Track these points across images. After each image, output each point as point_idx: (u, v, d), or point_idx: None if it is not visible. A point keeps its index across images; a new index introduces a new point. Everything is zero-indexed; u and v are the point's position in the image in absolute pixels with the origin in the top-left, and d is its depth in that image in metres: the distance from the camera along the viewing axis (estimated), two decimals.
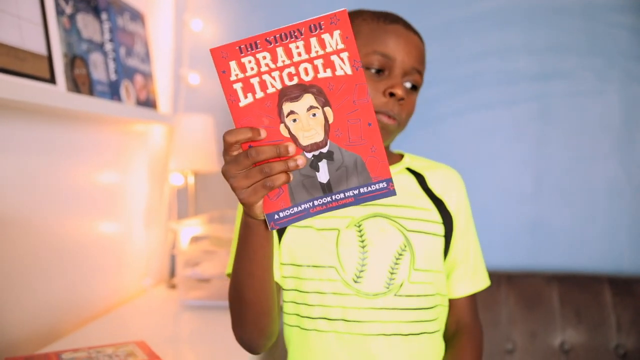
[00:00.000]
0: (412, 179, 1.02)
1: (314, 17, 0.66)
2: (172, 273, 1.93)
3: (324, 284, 0.95)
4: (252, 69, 0.69)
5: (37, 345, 1.24)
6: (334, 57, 0.68)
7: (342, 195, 0.74)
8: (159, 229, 1.87)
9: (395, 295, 0.94)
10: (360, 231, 0.95)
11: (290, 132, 0.71)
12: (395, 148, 1.11)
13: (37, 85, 1.10)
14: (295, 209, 0.75)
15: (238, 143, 0.69)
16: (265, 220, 0.77)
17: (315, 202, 0.75)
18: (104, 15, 1.44)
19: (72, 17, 1.29)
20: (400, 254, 0.95)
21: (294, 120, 0.70)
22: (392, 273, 0.95)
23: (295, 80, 0.69)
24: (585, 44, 1.77)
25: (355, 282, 0.94)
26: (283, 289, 1.01)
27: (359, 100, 0.69)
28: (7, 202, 1.15)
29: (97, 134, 1.48)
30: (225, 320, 1.44)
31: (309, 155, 0.72)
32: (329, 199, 0.75)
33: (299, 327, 0.99)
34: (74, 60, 1.27)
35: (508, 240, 1.82)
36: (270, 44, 0.68)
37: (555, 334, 1.61)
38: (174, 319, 1.49)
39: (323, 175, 0.73)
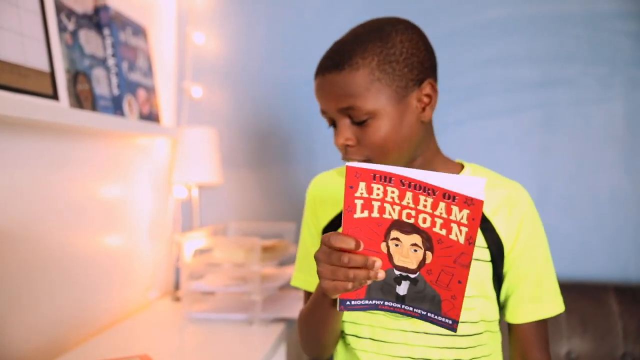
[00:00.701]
0: None
1: (453, 190, 0.69)
2: (177, 286, 1.93)
3: None
4: (377, 194, 0.73)
5: (41, 359, 1.24)
6: (453, 225, 0.71)
7: (411, 308, 0.81)
8: (163, 241, 1.87)
9: None
10: None
11: (388, 251, 0.77)
12: None
13: (40, 102, 1.11)
14: (367, 302, 0.82)
15: (339, 248, 0.75)
16: (335, 300, 0.85)
17: (386, 303, 0.82)
18: (106, 31, 1.45)
19: (74, 34, 1.30)
20: None
21: (396, 245, 0.76)
22: (407, 317, 0.91)
23: (412, 221, 0.74)
24: (589, 52, 1.77)
25: None
26: None
27: (460, 263, 0.74)
28: (12, 217, 1.16)
29: (101, 148, 1.49)
30: (229, 333, 1.44)
31: (397, 273, 0.78)
32: (399, 305, 0.81)
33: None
34: (76, 76, 1.28)
35: None
36: (403, 186, 0.71)
37: (561, 343, 1.60)
38: (178, 331, 1.49)
39: (402, 290, 0.80)
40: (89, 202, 1.44)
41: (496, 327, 0.99)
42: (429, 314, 0.80)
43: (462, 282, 0.75)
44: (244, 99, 1.95)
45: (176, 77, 1.97)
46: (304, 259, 1.11)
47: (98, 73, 1.39)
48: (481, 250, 0.93)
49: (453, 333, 0.89)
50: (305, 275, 1.09)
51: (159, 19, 1.88)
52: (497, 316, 0.97)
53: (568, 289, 1.65)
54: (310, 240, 1.09)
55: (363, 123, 0.90)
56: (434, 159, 0.99)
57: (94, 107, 1.34)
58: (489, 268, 0.94)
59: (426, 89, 0.92)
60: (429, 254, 0.75)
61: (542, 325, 0.98)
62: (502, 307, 0.99)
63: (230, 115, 1.96)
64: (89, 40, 1.37)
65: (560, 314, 1.59)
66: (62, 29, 1.26)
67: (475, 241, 0.71)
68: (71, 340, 1.36)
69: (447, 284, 0.76)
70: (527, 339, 0.97)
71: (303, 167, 1.90)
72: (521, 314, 0.96)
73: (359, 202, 0.74)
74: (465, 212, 0.69)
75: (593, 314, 1.60)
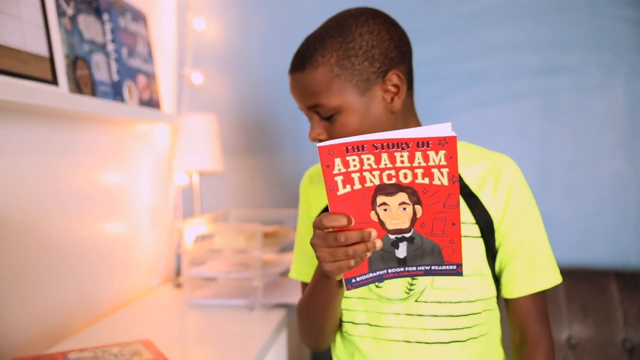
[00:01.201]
0: None
1: (424, 136, 0.71)
2: (178, 272, 1.94)
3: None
4: (354, 166, 0.74)
5: (43, 345, 1.24)
6: (434, 170, 0.74)
7: (414, 268, 0.82)
8: (164, 228, 1.87)
9: (416, 301, 0.93)
10: None
11: (379, 218, 0.78)
12: None
13: (39, 87, 1.11)
14: (371, 275, 0.83)
15: (332, 228, 0.76)
16: (339, 280, 0.86)
17: (390, 270, 0.83)
18: (105, 16, 1.44)
19: (73, 19, 1.30)
20: None
21: (385, 210, 0.77)
22: (413, 278, 0.92)
23: (394, 181, 0.75)
24: (591, 39, 1.75)
25: (377, 286, 0.95)
26: None
27: (449, 205, 0.76)
28: (12, 203, 1.16)
29: (100, 134, 1.49)
30: (230, 318, 1.44)
31: (392, 237, 0.79)
32: (402, 269, 0.82)
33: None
34: (76, 62, 1.28)
35: None
36: (377, 149, 0.73)
37: (562, 328, 1.60)
38: (180, 317, 1.49)
39: (401, 252, 0.81)
40: (89, 189, 1.44)
41: (494, 304, 0.98)
42: (432, 267, 0.81)
43: (455, 224, 0.77)
44: (244, 86, 1.94)
45: (176, 64, 1.96)
46: (300, 251, 1.12)
47: (97, 58, 1.38)
48: (470, 226, 0.92)
49: (447, 313, 0.90)
50: (302, 267, 1.10)
51: (159, 5, 1.87)
52: (494, 293, 0.96)
53: (569, 274, 1.66)
54: (305, 232, 1.11)
55: (330, 118, 0.92)
56: None
57: (93, 92, 1.33)
58: (480, 244, 0.93)
59: (392, 79, 0.92)
60: (418, 207, 0.77)
61: (540, 297, 0.97)
62: (497, 282, 0.98)
63: (230, 102, 1.95)
64: (88, 25, 1.36)
65: (561, 300, 1.61)
66: (60, 13, 1.25)
67: (457, 179, 0.73)
68: (73, 327, 1.36)
69: (443, 230, 0.78)
70: (525, 313, 0.96)
71: (304, 154, 1.90)
72: (516, 288, 0.95)
73: (339, 179, 0.75)
74: (442, 152, 0.72)
75: (594, 300, 1.61)
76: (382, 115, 0.92)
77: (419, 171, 0.74)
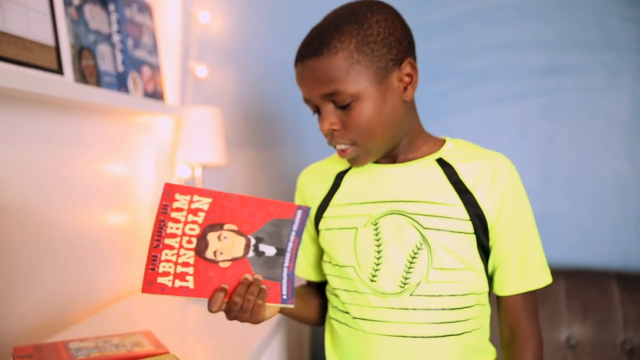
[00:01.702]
0: (439, 172, 0.95)
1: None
2: None
3: (345, 282, 0.98)
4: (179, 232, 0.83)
5: (44, 334, 1.25)
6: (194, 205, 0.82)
7: (290, 244, 0.88)
8: None
9: (411, 295, 0.93)
10: (376, 229, 0.95)
11: (216, 256, 0.85)
12: None
13: (44, 76, 1.11)
14: (285, 280, 0.89)
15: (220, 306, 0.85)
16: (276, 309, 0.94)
17: (285, 264, 0.89)
18: (111, 7, 1.44)
19: (79, 8, 1.29)
20: (416, 253, 0.92)
21: (221, 253, 0.85)
22: (407, 272, 0.92)
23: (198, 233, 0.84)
24: (596, 39, 1.75)
25: (372, 280, 0.95)
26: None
27: (233, 201, 0.85)
28: (16, 192, 1.16)
29: (104, 125, 1.49)
30: None
31: (251, 254, 0.86)
32: (288, 255, 0.89)
33: (332, 318, 1.06)
34: (81, 52, 1.27)
35: None
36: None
37: (561, 328, 1.60)
38: (180, 309, 1.49)
39: (270, 250, 0.88)
40: (92, 179, 1.44)
41: (485, 299, 0.99)
42: (293, 227, 0.88)
43: (256, 202, 0.86)
44: (248, 80, 1.94)
45: (181, 56, 1.96)
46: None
47: (103, 49, 1.38)
48: (463, 222, 0.93)
49: (442, 306, 0.92)
50: (300, 263, 1.11)
51: None
52: (486, 288, 0.98)
53: (570, 275, 1.66)
54: None
55: (347, 107, 0.89)
56: (418, 137, 0.99)
57: (98, 83, 1.33)
58: (472, 240, 0.93)
59: (406, 68, 0.91)
60: (227, 227, 0.84)
61: (530, 296, 0.98)
62: (490, 279, 0.99)
63: (234, 95, 1.95)
64: (93, 15, 1.36)
65: (561, 301, 1.62)
66: (67, 3, 1.25)
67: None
68: (74, 316, 1.37)
69: (250, 210, 0.86)
70: (515, 311, 0.97)
71: (307, 148, 1.89)
72: (508, 286, 0.96)
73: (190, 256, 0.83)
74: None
75: (594, 301, 1.61)
76: (396, 104, 0.91)
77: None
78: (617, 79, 1.74)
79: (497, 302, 1.01)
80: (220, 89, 1.95)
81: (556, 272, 1.67)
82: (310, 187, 1.08)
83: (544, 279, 0.97)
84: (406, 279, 0.93)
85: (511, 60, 1.79)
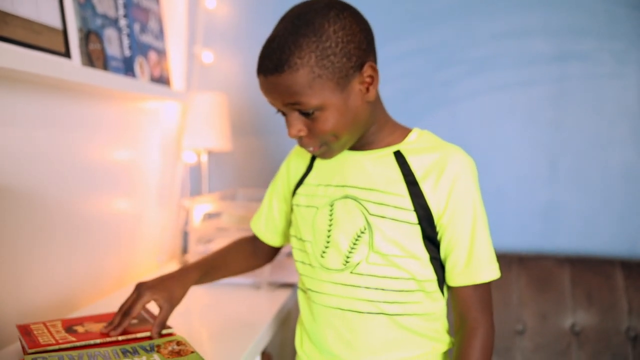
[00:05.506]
0: (393, 163, 0.98)
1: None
2: (185, 250, 1.95)
3: (303, 255, 1.07)
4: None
5: (49, 317, 1.25)
6: None
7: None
8: (171, 206, 1.88)
9: (351, 272, 0.98)
10: (331, 210, 1.01)
11: None
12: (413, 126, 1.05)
13: (52, 59, 1.11)
14: None
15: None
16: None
17: None
18: None
19: None
20: (359, 236, 0.97)
21: None
22: (349, 252, 0.98)
23: None
24: (605, 26, 1.74)
25: (322, 256, 1.02)
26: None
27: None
28: (23, 176, 1.16)
29: (110, 110, 1.49)
30: (236, 297, 1.45)
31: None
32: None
33: (298, 287, 1.14)
34: (88, 35, 1.27)
35: (521, 222, 1.81)
36: None
37: (566, 315, 1.61)
38: (186, 295, 1.49)
39: None
40: (99, 164, 1.44)
41: (434, 287, 1.00)
42: None
43: None
44: (254, 66, 1.91)
45: (187, 42, 1.95)
46: (263, 205, 1.23)
47: (110, 33, 1.38)
48: (408, 212, 0.96)
49: (378, 286, 0.97)
50: (260, 221, 1.22)
51: None
52: (432, 277, 0.99)
53: (574, 262, 1.66)
54: (274, 190, 1.19)
55: (311, 115, 0.92)
56: (384, 128, 1.01)
57: (105, 67, 1.33)
58: (416, 230, 0.96)
59: (367, 71, 0.92)
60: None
61: (482, 287, 0.99)
62: (443, 269, 1.01)
63: (240, 81, 1.95)
64: None
65: (566, 288, 1.62)
66: None
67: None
68: (80, 300, 1.38)
69: None
70: (465, 301, 0.99)
71: None
72: (456, 278, 0.98)
73: None
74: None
75: (599, 288, 1.61)
76: (359, 106, 0.94)
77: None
78: (625, 67, 1.74)
79: (449, 292, 1.03)
80: (226, 75, 1.95)
81: (561, 260, 1.68)
82: (295, 162, 1.15)
83: (490, 273, 0.98)
84: (348, 257, 0.98)
85: (518, 48, 1.79)
